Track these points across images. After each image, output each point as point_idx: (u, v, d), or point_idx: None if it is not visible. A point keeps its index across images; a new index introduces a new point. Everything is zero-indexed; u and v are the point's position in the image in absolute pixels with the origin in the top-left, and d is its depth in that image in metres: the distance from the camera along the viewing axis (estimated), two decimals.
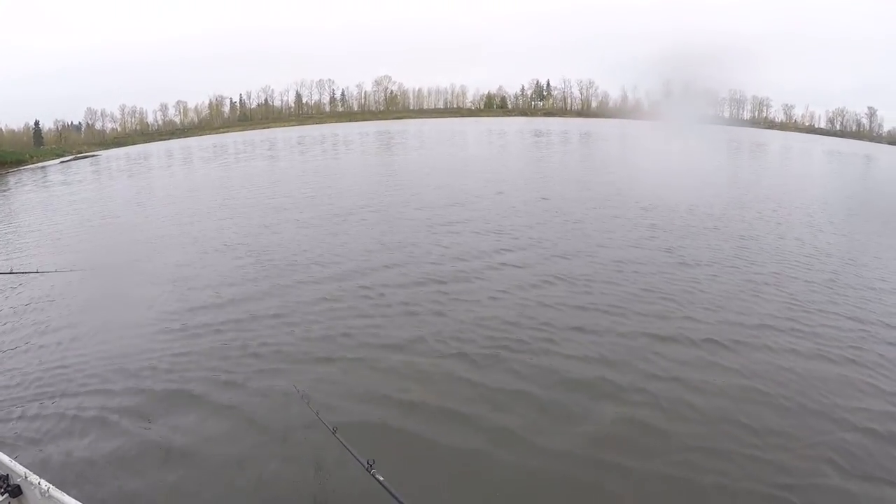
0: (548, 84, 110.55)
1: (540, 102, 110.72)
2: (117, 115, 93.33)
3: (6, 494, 3.34)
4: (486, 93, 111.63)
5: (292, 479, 4.76)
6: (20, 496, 3.35)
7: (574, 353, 6.86)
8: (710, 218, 14.67)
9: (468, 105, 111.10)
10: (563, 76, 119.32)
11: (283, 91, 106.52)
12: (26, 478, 3.29)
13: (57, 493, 3.12)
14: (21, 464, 3.44)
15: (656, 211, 15.16)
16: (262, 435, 5.40)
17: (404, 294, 8.98)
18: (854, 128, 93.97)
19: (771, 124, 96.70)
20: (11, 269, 8.24)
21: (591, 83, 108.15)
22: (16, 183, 34.01)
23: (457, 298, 8.78)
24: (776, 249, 11.80)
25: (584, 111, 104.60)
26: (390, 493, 2.85)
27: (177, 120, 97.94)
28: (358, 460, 3.19)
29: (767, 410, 5.62)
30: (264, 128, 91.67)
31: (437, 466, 4.87)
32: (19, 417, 5.80)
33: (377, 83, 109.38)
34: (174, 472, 4.88)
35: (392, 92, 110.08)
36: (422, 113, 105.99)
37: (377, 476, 3.01)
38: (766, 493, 4.48)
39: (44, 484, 3.18)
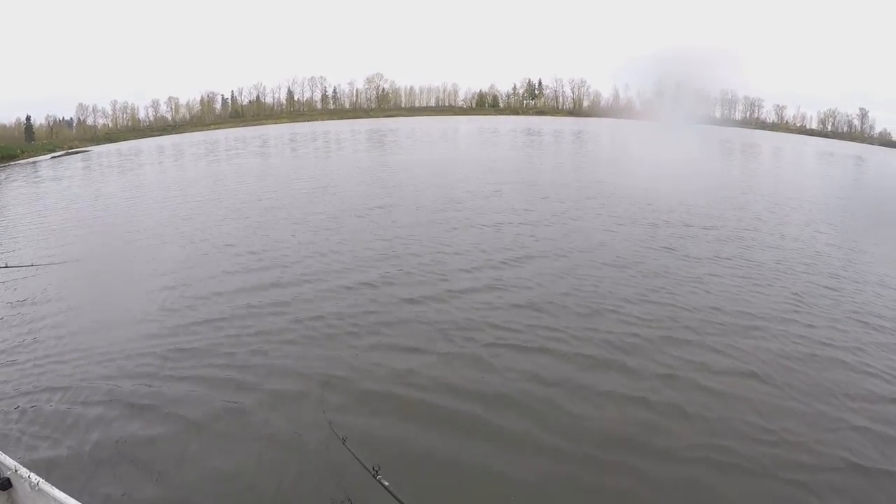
0: (539, 83, 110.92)
1: (532, 101, 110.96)
2: (109, 110, 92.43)
3: None
4: (478, 91, 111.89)
5: (300, 482, 4.73)
6: (10, 489, 3.37)
7: (587, 350, 6.99)
8: (709, 218, 14.99)
9: (460, 103, 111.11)
10: (554, 75, 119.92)
11: (274, 88, 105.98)
12: (16, 471, 3.30)
13: (46, 486, 3.14)
14: (12, 457, 3.46)
15: (657, 212, 15.40)
16: (267, 438, 5.35)
17: (409, 292, 8.97)
18: (845, 129, 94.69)
19: (762, 125, 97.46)
20: (6, 264, 8.24)
21: (583, 82, 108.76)
22: (6, 178, 33.71)
23: (461, 296, 8.81)
24: (777, 248, 12.15)
25: (576, 110, 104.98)
26: (395, 497, 3.06)
27: (168, 116, 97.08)
28: (364, 467, 3.34)
29: (779, 402, 5.85)
30: (256, 125, 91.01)
31: (440, 467, 4.93)
32: (12, 411, 5.77)
33: (369, 81, 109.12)
34: (172, 472, 4.87)
35: (384, 90, 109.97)
36: (413, 111, 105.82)
37: (383, 482, 3.19)
38: (781, 478, 4.71)
39: (34, 478, 3.20)
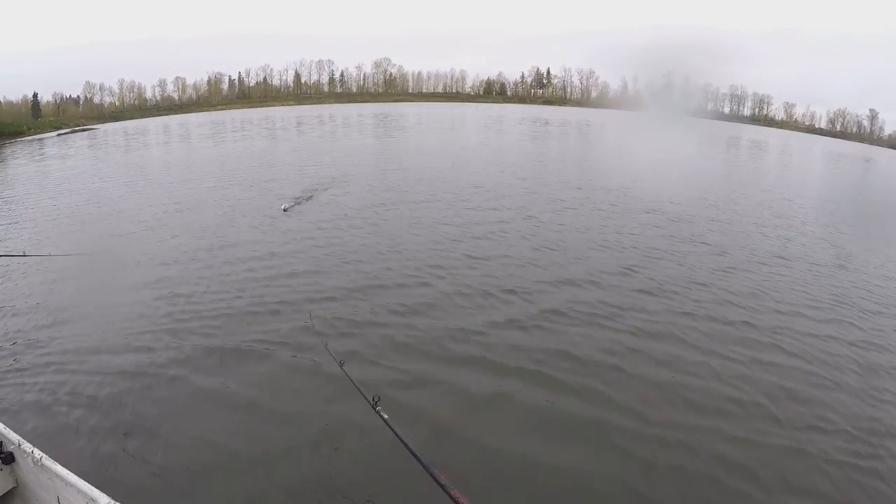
0: (548, 72, 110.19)
1: (540, 90, 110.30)
2: (116, 89, 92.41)
3: None
4: (486, 79, 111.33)
5: (303, 417, 4.99)
6: (13, 463, 3.34)
7: (628, 327, 7.20)
8: (735, 214, 15.11)
9: (467, 90, 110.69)
10: (563, 65, 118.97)
11: (282, 70, 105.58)
12: (20, 445, 3.26)
13: (49, 462, 3.10)
14: (16, 432, 3.39)
15: (677, 206, 15.36)
16: (268, 373, 5.71)
17: (436, 267, 9.18)
18: (855, 129, 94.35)
19: (771, 122, 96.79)
20: (24, 252, 8.34)
21: (591, 72, 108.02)
22: (10, 154, 33.80)
23: (490, 262, 9.18)
24: (806, 248, 12.21)
25: (584, 101, 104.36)
26: (392, 430, 2.92)
27: (175, 96, 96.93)
28: (364, 396, 3.24)
29: (835, 394, 5.96)
30: (263, 106, 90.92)
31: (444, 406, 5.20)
32: (18, 387, 5.75)
33: (377, 65, 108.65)
34: (182, 426, 5.01)
35: (391, 74, 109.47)
36: (420, 97, 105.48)
37: (382, 413, 3.07)
38: (831, 459, 4.86)
39: (37, 453, 3.16)
